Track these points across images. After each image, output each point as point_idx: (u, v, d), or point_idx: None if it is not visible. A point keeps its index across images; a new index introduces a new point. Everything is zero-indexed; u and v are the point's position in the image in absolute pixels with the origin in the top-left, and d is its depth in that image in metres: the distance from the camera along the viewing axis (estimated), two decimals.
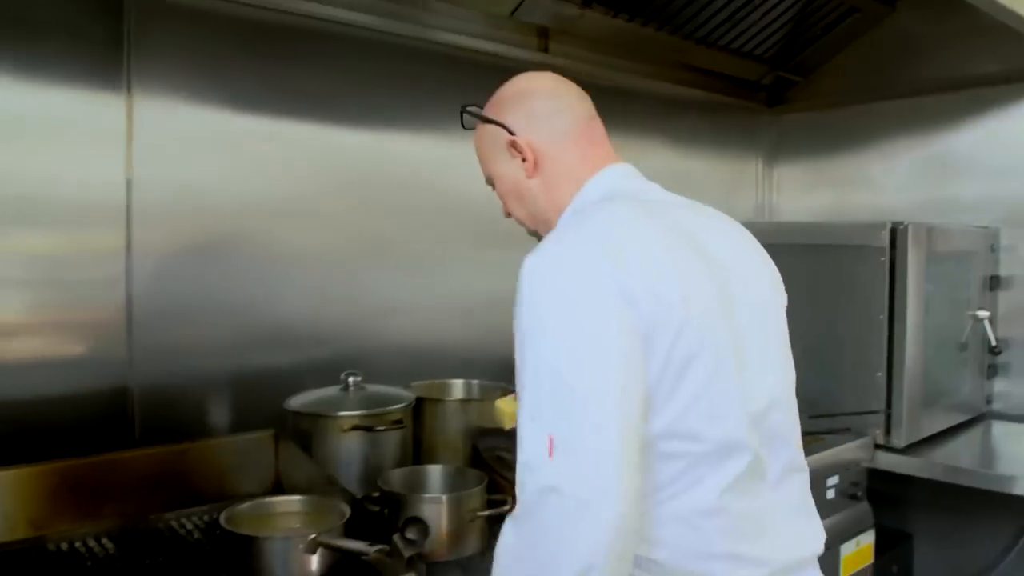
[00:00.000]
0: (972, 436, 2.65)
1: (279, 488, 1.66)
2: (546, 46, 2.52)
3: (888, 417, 2.36)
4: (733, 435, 1.07)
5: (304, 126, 2.02)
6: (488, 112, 1.27)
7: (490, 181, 1.31)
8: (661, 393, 1.03)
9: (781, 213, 3.43)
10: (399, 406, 1.74)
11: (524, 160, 1.22)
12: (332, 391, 1.80)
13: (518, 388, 1.05)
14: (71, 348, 1.71)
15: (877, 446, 2.38)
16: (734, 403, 1.08)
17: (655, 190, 1.26)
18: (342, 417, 1.67)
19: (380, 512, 1.49)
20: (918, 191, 3.02)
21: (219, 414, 1.84)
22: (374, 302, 2.18)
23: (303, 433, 1.69)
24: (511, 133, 1.22)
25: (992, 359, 2.79)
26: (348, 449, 1.67)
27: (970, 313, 2.65)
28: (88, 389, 1.71)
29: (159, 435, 1.73)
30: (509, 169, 1.24)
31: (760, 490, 1.11)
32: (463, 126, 1.32)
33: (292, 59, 1.99)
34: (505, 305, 2.69)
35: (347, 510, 1.32)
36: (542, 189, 1.23)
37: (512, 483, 1.50)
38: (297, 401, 1.75)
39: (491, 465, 1.73)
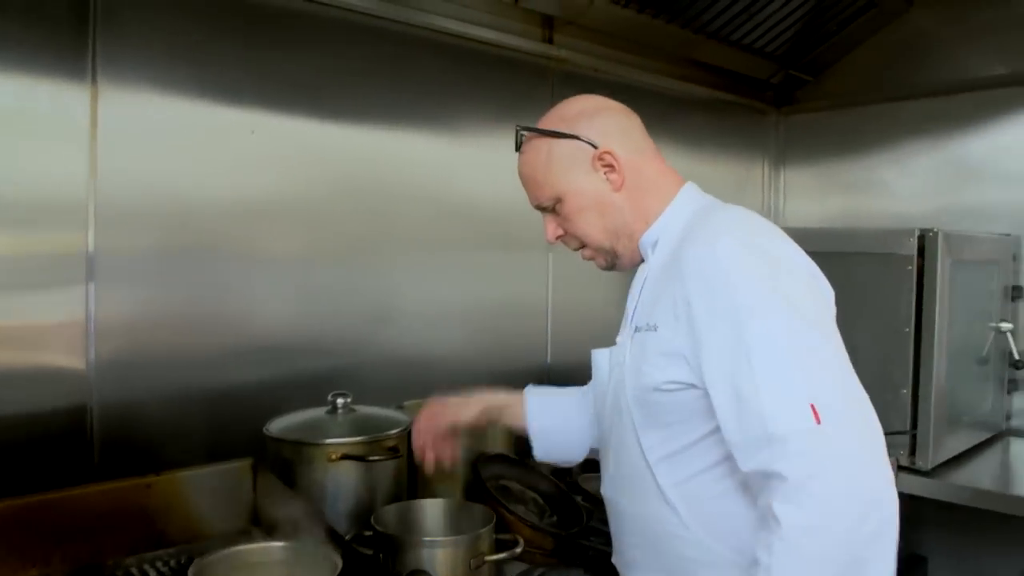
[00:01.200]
0: (992, 456, 2.51)
1: (256, 525, 1.47)
2: (551, 37, 2.36)
3: (913, 438, 2.22)
4: None
5: (289, 119, 1.84)
6: (559, 130, 1.24)
7: (550, 203, 1.26)
8: None
9: (787, 218, 3.28)
10: (394, 431, 1.56)
11: (611, 173, 1.22)
12: (318, 414, 1.62)
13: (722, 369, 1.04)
14: (24, 360, 1.52)
15: (900, 467, 2.23)
16: None
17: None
18: (330, 445, 1.49)
19: (374, 556, 1.32)
20: (933, 197, 2.88)
21: (189, 438, 1.64)
22: (363, 311, 2.00)
23: (285, 462, 1.51)
24: (595, 147, 1.21)
25: (1014, 373, 2.65)
26: (337, 481, 1.49)
27: (992, 325, 2.52)
28: (42, 407, 1.53)
29: (121, 459, 1.56)
30: (590, 184, 1.22)
31: None
32: (517, 148, 1.29)
33: (277, 45, 1.81)
34: (505, 312, 2.51)
35: (338, 561, 1.14)
36: (629, 202, 1.24)
37: (519, 517, 1.37)
38: (278, 426, 1.57)
39: (495, 496, 1.56)
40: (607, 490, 1.28)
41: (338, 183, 1.94)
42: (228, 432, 1.67)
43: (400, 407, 1.84)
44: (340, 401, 1.61)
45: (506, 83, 2.30)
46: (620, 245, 1.27)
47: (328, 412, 1.61)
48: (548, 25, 2.36)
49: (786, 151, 3.27)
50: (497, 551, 1.38)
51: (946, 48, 2.81)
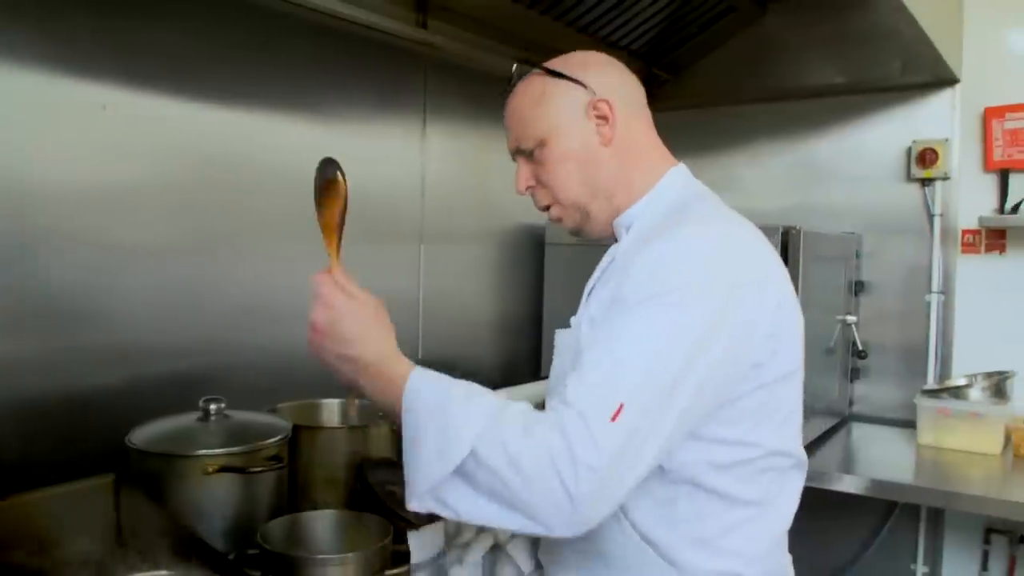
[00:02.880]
0: (838, 440, 2.68)
1: (121, 553, 1.31)
2: (424, 21, 2.27)
3: None
4: (801, 454, 1.20)
5: (146, 96, 1.65)
6: (560, 70, 1.17)
7: (530, 145, 1.18)
8: (769, 405, 1.08)
9: None
10: (275, 439, 1.43)
11: (604, 125, 1.16)
12: (187, 421, 1.46)
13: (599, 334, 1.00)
14: None
15: None
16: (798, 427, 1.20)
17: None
18: (205, 456, 1.35)
19: None
20: (786, 195, 3.04)
21: (38, 454, 1.44)
22: (228, 308, 1.84)
23: (152, 477, 1.35)
24: (594, 94, 1.15)
25: (856, 362, 2.84)
26: (213, 497, 1.34)
27: (839, 318, 2.67)
28: None
29: None
30: (579, 131, 1.16)
31: None
32: (510, 84, 1.22)
33: (134, 13, 1.62)
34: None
35: None
36: (615, 161, 1.17)
37: (411, 524, 1.29)
38: (143, 436, 1.40)
39: (384, 503, 1.47)
40: None
41: (200, 167, 1.77)
42: (83, 445, 1.48)
43: (273, 410, 1.71)
44: (213, 407, 1.46)
45: (379, 69, 2.20)
46: (595, 206, 1.20)
47: (199, 419, 1.46)
48: (422, 9, 2.27)
49: None
50: (393, 563, 1.29)
51: (795, 55, 2.96)
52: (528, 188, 1.22)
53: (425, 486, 0.96)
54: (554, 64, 1.19)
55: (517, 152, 1.22)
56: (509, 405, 0.97)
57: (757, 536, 1.11)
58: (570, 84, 1.16)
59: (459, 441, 0.93)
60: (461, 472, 0.94)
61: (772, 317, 1.06)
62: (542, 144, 1.17)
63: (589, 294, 1.20)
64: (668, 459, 1.04)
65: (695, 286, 0.99)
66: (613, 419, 0.90)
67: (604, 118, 1.16)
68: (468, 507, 0.95)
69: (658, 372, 0.94)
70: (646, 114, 1.24)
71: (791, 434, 1.16)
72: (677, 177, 1.22)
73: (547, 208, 1.24)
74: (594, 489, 0.89)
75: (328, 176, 1.12)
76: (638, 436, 0.92)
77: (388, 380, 1.03)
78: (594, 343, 1.00)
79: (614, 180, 1.18)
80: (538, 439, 0.91)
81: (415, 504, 0.98)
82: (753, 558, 1.11)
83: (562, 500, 0.89)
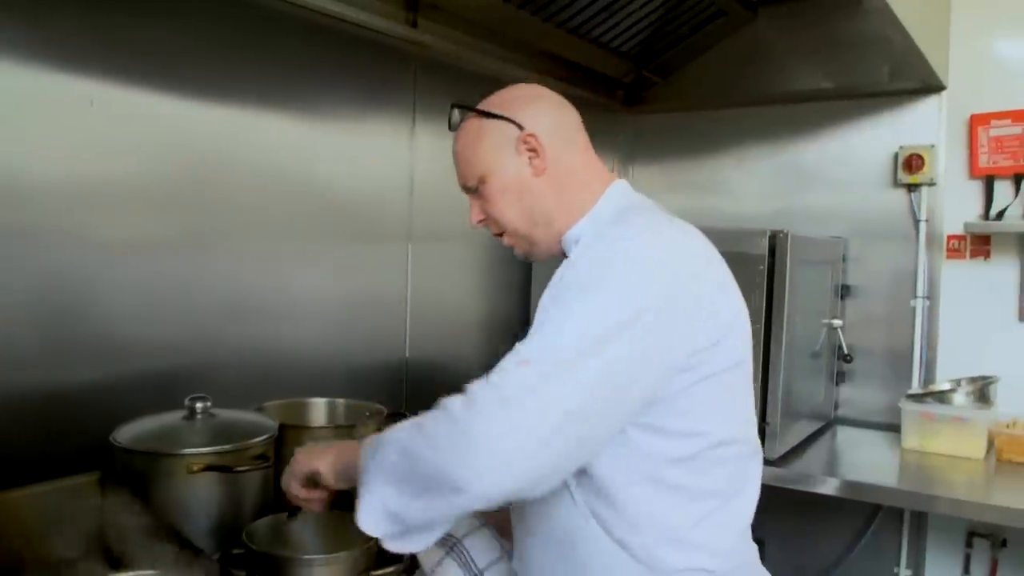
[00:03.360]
0: (823, 443, 2.69)
1: (106, 551, 1.30)
2: (415, 20, 2.26)
3: (762, 430, 2.32)
4: (755, 441, 1.23)
5: (134, 91, 1.64)
6: (490, 110, 1.26)
7: (474, 183, 1.27)
8: (718, 394, 1.11)
9: None
10: (262, 438, 1.43)
11: (535, 158, 1.23)
12: (173, 420, 1.46)
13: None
14: None
15: None
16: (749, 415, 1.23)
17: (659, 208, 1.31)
18: (191, 455, 1.34)
19: None
20: (772, 199, 3.05)
21: (20, 451, 1.43)
22: (215, 305, 1.83)
23: (137, 476, 1.34)
24: (521, 129, 1.22)
25: (842, 366, 2.85)
26: (198, 496, 1.34)
27: (825, 321, 2.69)
28: None
29: None
30: (512, 166, 1.24)
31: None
32: (450, 127, 1.30)
33: (122, 8, 1.61)
34: (363, 305, 2.40)
35: None
36: (551, 190, 1.24)
37: None
38: (128, 434, 1.39)
39: None
40: (520, 506, 1.23)
41: (188, 164, 1.76)
42: (67, 442, 1.47)
43: (259, 409, 1.70)
44: (199, 405, 1.45)
45: (369, 67, 2.19)
46: (537, 232, 1.27)
47: (185, 418, 1.45)
48: (412, 8, 2.26)
49: (635, 150, 3.35)
50: (378, 564, 1.29)
51: (784, 60, 2.96)
52: (479, 221, 1.30)
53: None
54: (487, 103, 1.27)
55: (464, 189, 1.31)
56: None
57: (722, 529, 1.14)
58: (501, 122, 1.23)
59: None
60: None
61: (709, 312, 1.10)
62: (482, 181, 1.25)
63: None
64: (600, 446, 1.07)
65: (621, 281, 1.05)
66: (512, 370, 0.98)
67: (534, 151, 1.23)
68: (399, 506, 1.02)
69: (564, 346, 0.99)
70: (580, 138, 1.29)
71: (742, 421, 1.20)
72: (616, 191, 1.28)
73: (500, 235, 1.32)
74: (487, 426, 0.93)
75: None
76: (537, 393, 0.95)
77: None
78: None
79: (552, 207, 1.25)
80: (440, 406, 1.00)
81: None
82: (719, 551, 1.13)
83: (459, 440, 0.94)
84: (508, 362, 1.00)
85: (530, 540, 1.21)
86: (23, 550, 1.20)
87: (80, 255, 1.56)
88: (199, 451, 1.35)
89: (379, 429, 1.81)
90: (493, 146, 1.24)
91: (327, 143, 2.08)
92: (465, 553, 1.28)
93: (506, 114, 1.24)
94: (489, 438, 0.93)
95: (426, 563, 1.27)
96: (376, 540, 1.27)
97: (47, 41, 1.49)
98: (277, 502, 1.50)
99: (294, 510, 1.30)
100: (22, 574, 1.13)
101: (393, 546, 1.08)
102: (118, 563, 1.16)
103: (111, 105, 1.60)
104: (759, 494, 1.24)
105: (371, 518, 1.05)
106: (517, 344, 1.03)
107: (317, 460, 1.20)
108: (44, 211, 1.51)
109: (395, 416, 1.55)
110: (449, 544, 1.30)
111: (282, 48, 1.94)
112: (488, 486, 0.93)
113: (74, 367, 1.55)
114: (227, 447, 1.37)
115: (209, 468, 1.34)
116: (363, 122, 2.20)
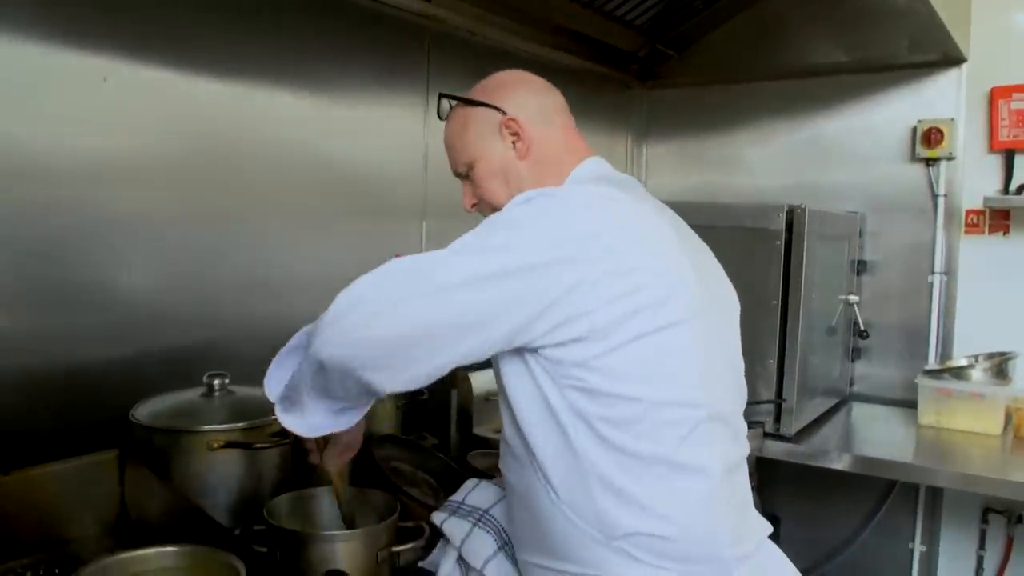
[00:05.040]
0: (839, 419, 2.68)
1: (126, 526, 1.31)
2: None
3: (778, 406, 2.31)
4: (719, 406, 1.16)
5: (149, 67, 1.63)
6: (474, 98, 1.30)
7: (464, 168, 1.32)
8: (653, 357, 1.08)
9: (649, 191, 3.33)
10: None
11: (518, 141, 1.27)
12: (192, 397, 1.46)
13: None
14: None
15: (766, 434, 2.33)
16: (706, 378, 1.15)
17: (635, 183, 1.33)
18: (210, 432, 1.34)
19: (270, 554, 1.20)
20: (790, 174, 3.02)
21: (41, 428, 1.43)
22: (231, 282, 1.83)
23: (157, 453, 1.35)
24: (504, 114, 1.26)
25: (857, 342, 2.84)
26: (218, 472, 1.34)
27: (841, 297, 2.67)
28: None
29: None
30: (497, 150, 1.28)
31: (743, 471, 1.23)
32: (439, 116, 1.35)
33: None
34: None
35: (240, 566, 1.02)
36: (530, 172, 1.27)
37: (416, 501, 1.33)
38: (147, 411, 1.40)
39: (393, 482, 1.47)
40: (501, 465, 1.23)
41: (202, 140, 1.75)
42: (86, 419, 1.48)
43: None
44: (217, 382, 1.46)
45: (383, 42, 2.17)
46: None
47: (203, 395, 1.45)
48: None
49: (649, 126, 3.32)
50: (399, 540, 1.29)
51: (799, 33, 2.92)
52: (473, 206, 1.35)
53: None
54: (473, 92, 1.32)
55: (456, 175, 1.36)
56: None
57: (678, 496, 1.09)
58: (485, 109, 1.28)
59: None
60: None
61: (631, 275, 1.08)
62: (471, 166, 1.30)
63: None
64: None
65: (519, 236, 1.08)
66: (398, 261, 1.08)
67: (516, 134, 1.27)
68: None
69: (447, 269, 1.06)
70: (561, 120, 1.32)
71: (690, 384, 1.12)
72: (587, 166, 1.30)
73: None
74: (342, 297, 1.06)
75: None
76: (395, 292, 1.05)
77: None
78: None
79: (532, 187, 1.24)
80: None
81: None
82: (676, 520, 1.08)
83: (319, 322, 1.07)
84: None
85: (510, 500, 1.21)
86: (43, 528, 1.21)
87: (96, 231, 1.56)
88: (219, 428, 1.35)
89: (396, 404, 1.82)
90: (479, 133, 1.29)
91: (341, 119, 2.07)
92: (493, 521, 1.29)
93: (489, 101, 1.28)
94: (331, 320, 1.05)
95: (455, 535, 1.27)
96: (396, 516, 1.29)
97: (61, 18, 1.48)
98: (296, 478, 1.51)
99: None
100: (42, 551, 1.13)
101: (284, 419, 1.19)
102: (138, 540, 1.16)
103: (125, 81, 1.59)
104: (743, 470, 1.22)
105: (273, 382, 1.21)
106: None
107: None
108: (59, 187, 1.50)
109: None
110: (477, 515, 1.30)
111: (296, 24, 1.92)
112: (330, 350, 1.04)
113: (90, 344, 1.55)
114: (246, 424, 1.37)
115: (229, 445, 1.34)
116: (377, 97, 2.18)
